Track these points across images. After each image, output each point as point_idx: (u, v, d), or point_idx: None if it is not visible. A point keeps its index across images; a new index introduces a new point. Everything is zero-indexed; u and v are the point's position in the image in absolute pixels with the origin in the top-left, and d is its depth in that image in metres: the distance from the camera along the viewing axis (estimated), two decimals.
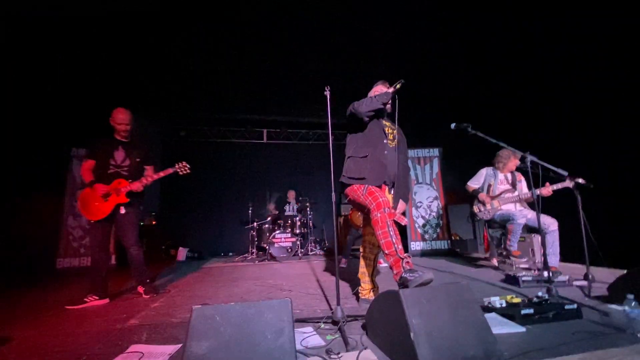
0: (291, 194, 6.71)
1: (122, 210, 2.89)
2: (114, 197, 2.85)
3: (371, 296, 2.43)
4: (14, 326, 2.14)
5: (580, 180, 2.88)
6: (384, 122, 2.48)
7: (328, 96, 2.27)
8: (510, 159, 3.68)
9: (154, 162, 3.16)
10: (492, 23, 4.23)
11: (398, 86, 2.31)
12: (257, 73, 5.46)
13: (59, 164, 5.12)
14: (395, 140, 2.48)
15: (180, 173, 3.02)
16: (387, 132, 2.43)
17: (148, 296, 2.92)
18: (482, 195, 3.74)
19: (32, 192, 4.47)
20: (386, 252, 2.01)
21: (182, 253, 6.35)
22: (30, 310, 2.57)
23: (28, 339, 1.92)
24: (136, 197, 2.98)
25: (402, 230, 6.18)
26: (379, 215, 2.04)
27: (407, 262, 1.96)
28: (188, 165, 3.02)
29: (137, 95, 5.91)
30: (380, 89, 2.51)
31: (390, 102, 2.43)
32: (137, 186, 2.91)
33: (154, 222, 6.25)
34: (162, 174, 3.01)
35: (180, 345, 1.65)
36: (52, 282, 3.96)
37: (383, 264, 3.86)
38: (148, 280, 3.05)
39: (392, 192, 2.45)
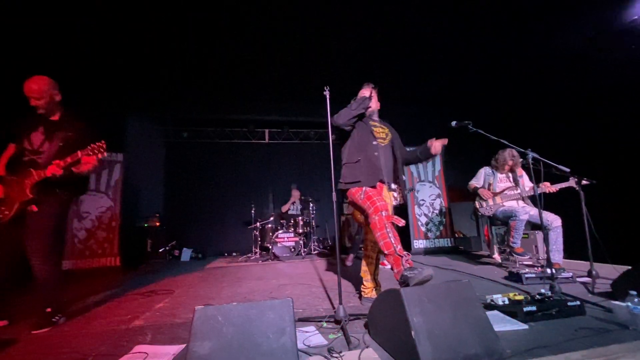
0: (296, 194, 6.72)
1: (34, 208, 2.18)
2: (16, 194, 2.17)
3: (373, 295, 2.45)
4: (21, 327, 2.16)
5: (583, 180, 2.87)
6: (371, 123, 2.53)
7: (327, 96, 2.28)
8: (507, 163, 3.68)
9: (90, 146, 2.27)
10: (493, 21, 4.21)
11: (373, 92, 2.48)
12: (258, 73, 5.47)
13: None
14: (388, 138, 2.54)
15: (95, 157, 2.28)
16: (375, 132, 2.49)
17: (36, 331, 2.08)
18: (483, 191, 3.73)
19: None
20: (386, 252, 2.04)
21: (186, 253, 6.39)
22: (36, 311, 2.59)
23: (34, 340, 1.94)
24: (54, 191, 2.23)
25: (405, 229, 6.17)
26: (376, 218, 2.09)
27: (407, 260, 2.00)
28: (104, 146, 2.22)
29: (139, 97, 5.95)
30: (363, 93, 2.58)
31: (374, 102, 2.54)
32: (52, 170, 2.12)
33: (157, 223, 6.28)
34: (73, 157, 2.19)
35: (184, 346, 1.66)
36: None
37: (387, 266, 3.87)
38: (49, 310, 2.19)
39: (391, 189, 2.48)
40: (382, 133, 2.52)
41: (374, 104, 2.56)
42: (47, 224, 2.20)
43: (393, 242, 2.02)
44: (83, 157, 2.19)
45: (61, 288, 2.33)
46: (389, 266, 3.76)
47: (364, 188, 2.27)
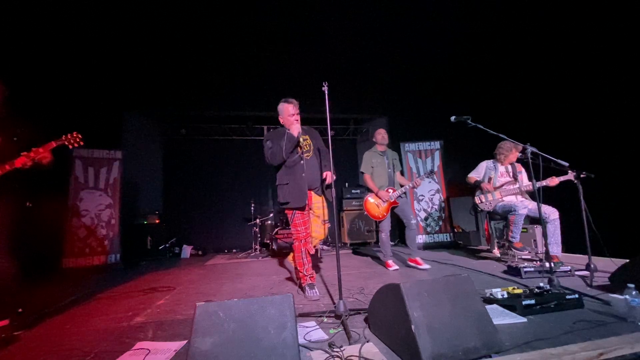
0: None
1: None
2: None
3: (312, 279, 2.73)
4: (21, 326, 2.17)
5: (582, 173, 2.87)
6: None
7: (326, 92, 2.27)
8: (512, 151, 3.66)
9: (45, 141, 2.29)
10: (493, 17, 4.19)
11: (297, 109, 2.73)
12: (256, 69, 5.45)
13: (61, 165, 5.15)
14: (312, 149, 2.82)
15: (70, 146, 2.36)
16: (302, 147, 2.73)
17: (18, 332, 2.03)
18: (485, 185, 3.73)
19: (36, 193, 4.50)
20: (298, 268, 2.74)
21: (186, 250, 6.39)
22: (38, 309, 2.60)
23: (36, 338, 1.95)
24: (12, 187, 2.21)
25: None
26: (296, 244, 2.72)
27: (311, 276, 2.72)
28: (80, 136, 2.36)
29: (136, 94, 5.92)
30: (288, 110, 2.75)
31: (298, 123, 2.70)
32: (22, 161, 2.11)
33: (157, 221, 6.28)
34: (47, 147, 2.23)
35: (185, 342, 1.67)
36: (58, 282, 4.01)
37: (423, 265, 3.51)
38: (20, 310, 2.16)
39: (320, 193, 2.84)
40: (307, 146, 2.80)
41: (299, 124, 2.67)
42: (7, 220, 2.15)
43: (305, 262, 2.70)
44: (41, 152, 2.18)
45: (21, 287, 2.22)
46: (425, 265, 3.52)
47: (294, 212, 2.68)
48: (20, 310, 2.15)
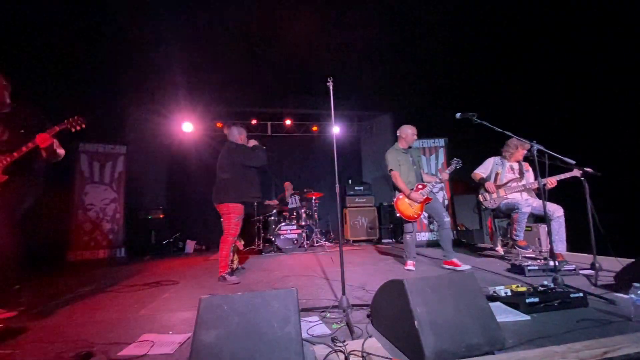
0: (289, 186, 6.77)
1: None
2: None
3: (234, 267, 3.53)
4: (29, 317, 2.20)
5: (588, 170, 2.84)
6: None
7: (331, 87, 2.26)
8: (518, 149, 3.64)
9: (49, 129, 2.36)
10: (496, 14, 4.14)
11: None
12: (261, 65, 5.44)
13: (67, 159, 5.18)
14: None
15: (73, 130, 2.40)
16: None
17: (13, 313, 2.12)
18: (489, 184, 3.71)
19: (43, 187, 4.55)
20: (223, 258, 3.21)
21: (189, 245, 6.44)
22: (44, 302, 2.64)
23: (42, 329, 1.98)
24: (20, 173, 2.30)
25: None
26: (230, 239, 3.30)
27: (231, 267, 3.29)
28: (82, 119, 2.42)
29: (138, 90, 5.94)
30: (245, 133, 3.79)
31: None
32: (18, 155, 2.22)
33: (161, 216, 6.33)
34: (51, 131, 2.32)
35: (189, 335, 1.69)
36: (63, 275, 4.06)
37: (462, 266, 3.23)
38: (17, 286, 2.22)
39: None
40: None
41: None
42: (11, 200, 2.25)
43: (230, 255, 3.31)
44: (40, 142, 2.25)
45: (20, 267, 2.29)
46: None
47: (239, 216, 3.44)
48: (17, 286, 2.19)
